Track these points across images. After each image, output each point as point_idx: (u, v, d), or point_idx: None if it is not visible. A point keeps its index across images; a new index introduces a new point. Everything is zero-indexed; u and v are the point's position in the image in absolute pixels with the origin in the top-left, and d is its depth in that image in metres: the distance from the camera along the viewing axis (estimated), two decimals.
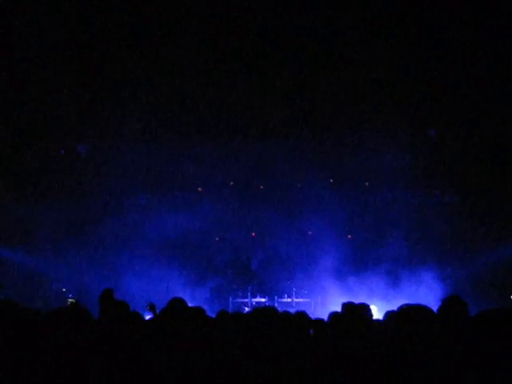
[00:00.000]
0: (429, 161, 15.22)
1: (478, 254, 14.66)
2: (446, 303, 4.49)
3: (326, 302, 14.07)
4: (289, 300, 14.77)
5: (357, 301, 4.79)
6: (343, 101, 13.19)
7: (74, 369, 3.19)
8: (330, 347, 4.05)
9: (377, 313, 9.70)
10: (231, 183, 16.04)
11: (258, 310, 3.82)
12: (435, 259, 14.56)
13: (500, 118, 13.33)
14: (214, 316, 5.26)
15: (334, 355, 3.88)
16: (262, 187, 16.00)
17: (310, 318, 4.72)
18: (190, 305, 5.21)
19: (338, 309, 4.75)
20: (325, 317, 4.73)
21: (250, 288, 14.96)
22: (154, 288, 13.82)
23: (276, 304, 14.32)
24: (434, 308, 4.01)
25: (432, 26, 11.10)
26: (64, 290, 15.17)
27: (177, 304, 4.81)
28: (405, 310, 3.64)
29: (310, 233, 15.26)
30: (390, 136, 14.45)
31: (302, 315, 4.65)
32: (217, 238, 15.87)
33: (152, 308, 7.27)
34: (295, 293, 14.84)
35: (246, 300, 14.85)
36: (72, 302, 12.76)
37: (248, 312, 4.40)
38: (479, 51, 11.39)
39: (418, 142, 15.12)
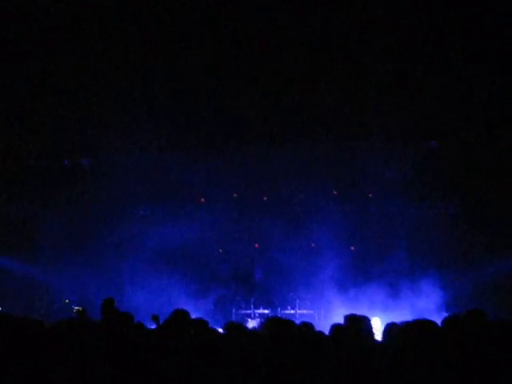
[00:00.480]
0: (431, 172, 15.22)
1: (479, 264, 14.61)
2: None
3: (329, 314, 13.99)
4: (292, 312, 14.70)
5: (360, 313, 4.79)
6: (347, 112, 13.23)
7: (77, 378, 3.20)
8: (332, 359, 4.05)
9: (380, 325, 9.66)
10: (234, 194, 16.04)
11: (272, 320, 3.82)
12: (437, 270, 14.51)
13: (501, 128, 13.36)
14: (217, 327, 5.26)
15: (337, 368, 3.88)
16: (265, 198, 15.99)
17: (315, 330, 4.72)
18: (193, 316, 5.21)
19: (341, 321, 4.75)
20: (328, 329, 4.73)
21: (253, 299, 14.93)
22: (156, 299, 13.78)
23: (279, 316, 14.22)
24: (435, 317, 4.02)
25: (434, 39, 11.16)
26: (67, 301, 15.12)
27: (179, 316, 4.82)
28: (408, 325, 3.64)
29: (313, 244, 15.23)
30: (393, 147, 14.48)
31: (307, 326, 4.65)
32: (220, 250, 15.84)
33: (156, 319, 7.28)
34: (298, 304, 14.79)
35: (249, 311, 14.80)
36: (79, 310, 12.69)
37: (260, 324, 4.42)
38: (480, 62, 11.42)
39: (421, 154, 15.14)
